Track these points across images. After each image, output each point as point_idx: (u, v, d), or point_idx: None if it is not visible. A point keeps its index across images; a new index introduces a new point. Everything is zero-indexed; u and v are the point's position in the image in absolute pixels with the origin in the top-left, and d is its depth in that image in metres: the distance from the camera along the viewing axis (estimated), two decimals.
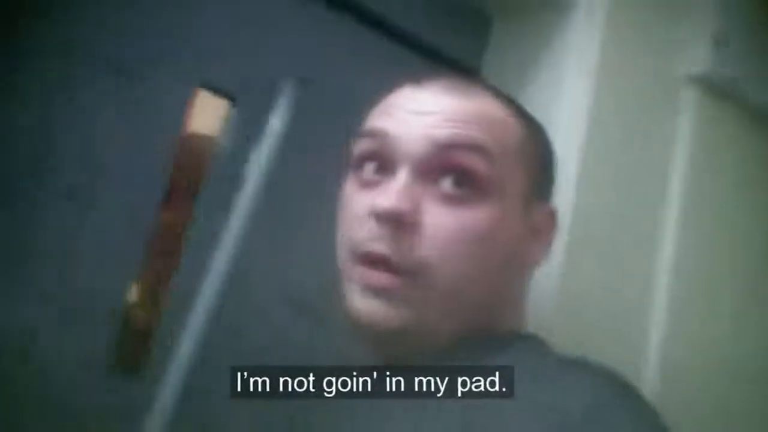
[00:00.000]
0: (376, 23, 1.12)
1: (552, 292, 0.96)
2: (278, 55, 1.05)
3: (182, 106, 0.98)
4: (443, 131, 0.66)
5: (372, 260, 0.65)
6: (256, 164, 0.99)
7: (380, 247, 0.64)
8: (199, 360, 0.92)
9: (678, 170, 1.13)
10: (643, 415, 0.55)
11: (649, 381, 1.01)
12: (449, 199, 0.65)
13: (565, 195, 1.01)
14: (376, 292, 0.64)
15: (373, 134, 0.69)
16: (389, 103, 0.70)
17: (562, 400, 0.53)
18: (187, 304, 0.93)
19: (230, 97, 1.03)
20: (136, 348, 0.94)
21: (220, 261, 0.95)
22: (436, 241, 0.64)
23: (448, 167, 0.65)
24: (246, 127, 1.01)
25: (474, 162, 0.65)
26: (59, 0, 0.91)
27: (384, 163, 0.68)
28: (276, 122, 1.00)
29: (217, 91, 1.02)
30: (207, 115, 1.03)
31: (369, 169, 0.69)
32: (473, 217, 0.65)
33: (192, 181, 0.99)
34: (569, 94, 1.07)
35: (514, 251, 0.68)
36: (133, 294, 0.95)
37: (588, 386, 0.55)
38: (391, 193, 0.64)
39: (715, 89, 1.17)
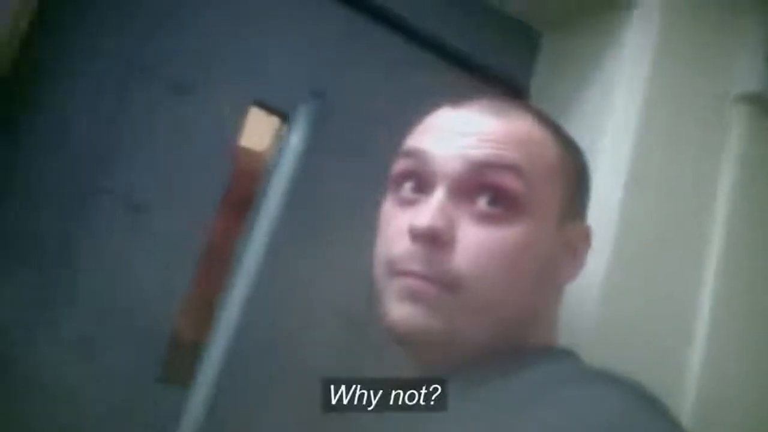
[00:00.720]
0: (424, 41, 1.14)
1: (592, 314, 0.95)
2: (329, 74, 1.07)
3: (236, 122, 1.01)
4: (479, 151, 0.67)
5: (408, 275, 0.66)
6: (296, 178, 1.02)
7: (416, 265, 0.65)
8: (244, 368, 0.95)
9: (726, 190, 1.10)
10: (669, 427, 0.55)
11: (685, 413, 0.98)
12: (484, 218, 0.66)
13: (610, 212, 0.99)
14: (412, 297, 0.65)
15: (412, 154, 0.70)
16: (428, 124, 0.72)
17: (587, 412, 0.54)
18: (236, 316, 0.96)
19: (282, 114, 1.05)
20: (185, 359, 0.96)
21: (266, 273, 0.98)
22: (470, 258, 0.65)
23: (484, 186, 0.67)
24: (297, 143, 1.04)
25: (508, 181, 0.66)
26: (120, 19, 0.95)
27: (422, 182, 0.69)
28: (296, 138, 1.03)
29: (269, 108, 1.05)
30: (259, 131, 1.06)
31: (407, 187, 0.70)
32: (507, 235, 0.66)
33: (244, 196, 1.02)
34: (619, 109, 1.06)
35: (546, 269, 0.69)
36: (183, 305, 0.97)
37: (613, 398, 0.56)
38: (427, 212, 0.66)
39: (766, 108, 1.15)
